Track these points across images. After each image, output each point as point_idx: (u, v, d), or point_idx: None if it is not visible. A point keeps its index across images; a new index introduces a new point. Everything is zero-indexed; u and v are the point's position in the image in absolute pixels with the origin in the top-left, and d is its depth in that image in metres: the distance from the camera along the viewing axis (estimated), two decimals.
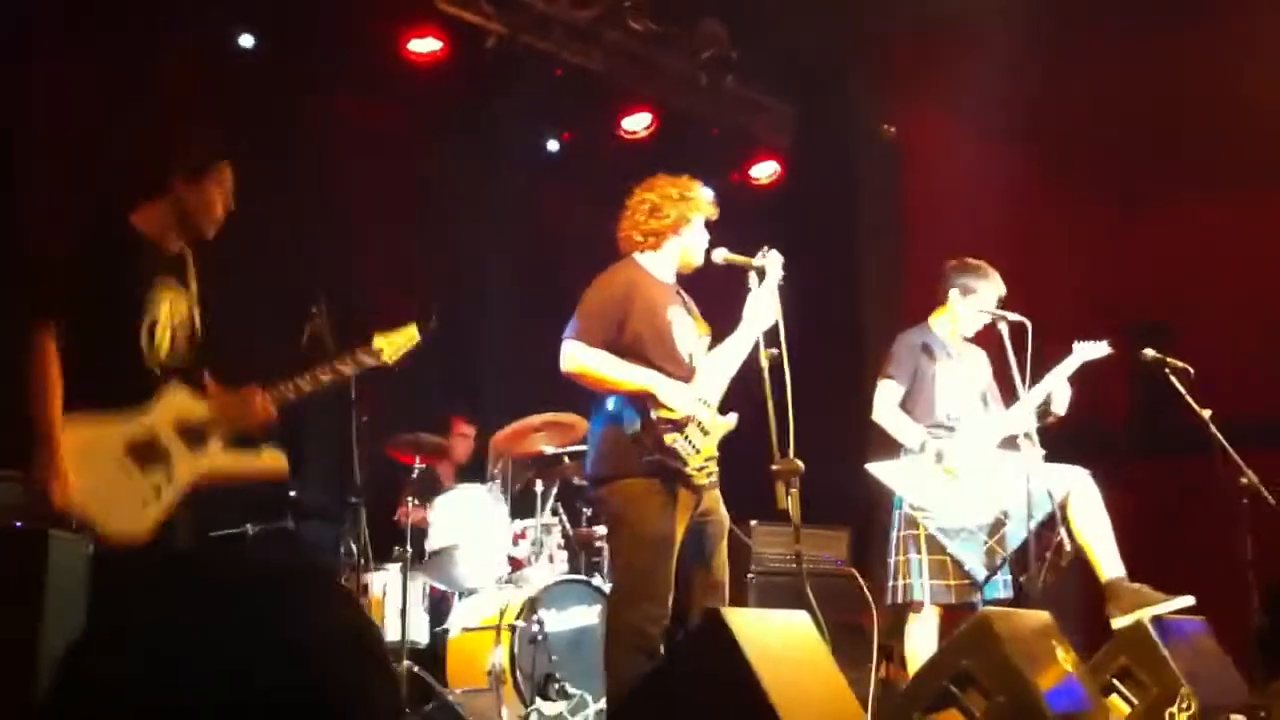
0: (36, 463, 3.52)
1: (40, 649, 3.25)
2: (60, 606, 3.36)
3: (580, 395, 4.47)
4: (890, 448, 5.29)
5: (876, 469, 5.17)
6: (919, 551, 5.09)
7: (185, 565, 1.57)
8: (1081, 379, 5.33)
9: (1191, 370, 5.48)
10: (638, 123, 7.70)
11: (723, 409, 4.35)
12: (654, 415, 4.12)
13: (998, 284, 5.37)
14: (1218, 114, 6.91)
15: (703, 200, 4.45)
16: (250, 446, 3.87)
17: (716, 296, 4.64)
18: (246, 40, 6.51)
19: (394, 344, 4.14)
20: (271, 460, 3.91)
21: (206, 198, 3.83)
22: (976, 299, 5.36)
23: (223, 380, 3.90)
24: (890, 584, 5.23)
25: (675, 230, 4.40)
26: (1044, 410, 5.20)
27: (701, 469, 4.18)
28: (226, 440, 3.81)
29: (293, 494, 5.72)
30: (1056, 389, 5.22)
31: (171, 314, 3.78)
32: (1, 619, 3.30)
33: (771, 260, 4.35)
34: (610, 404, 4.24)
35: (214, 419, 3.79)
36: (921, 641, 5.02)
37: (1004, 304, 5.34)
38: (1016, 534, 4.96)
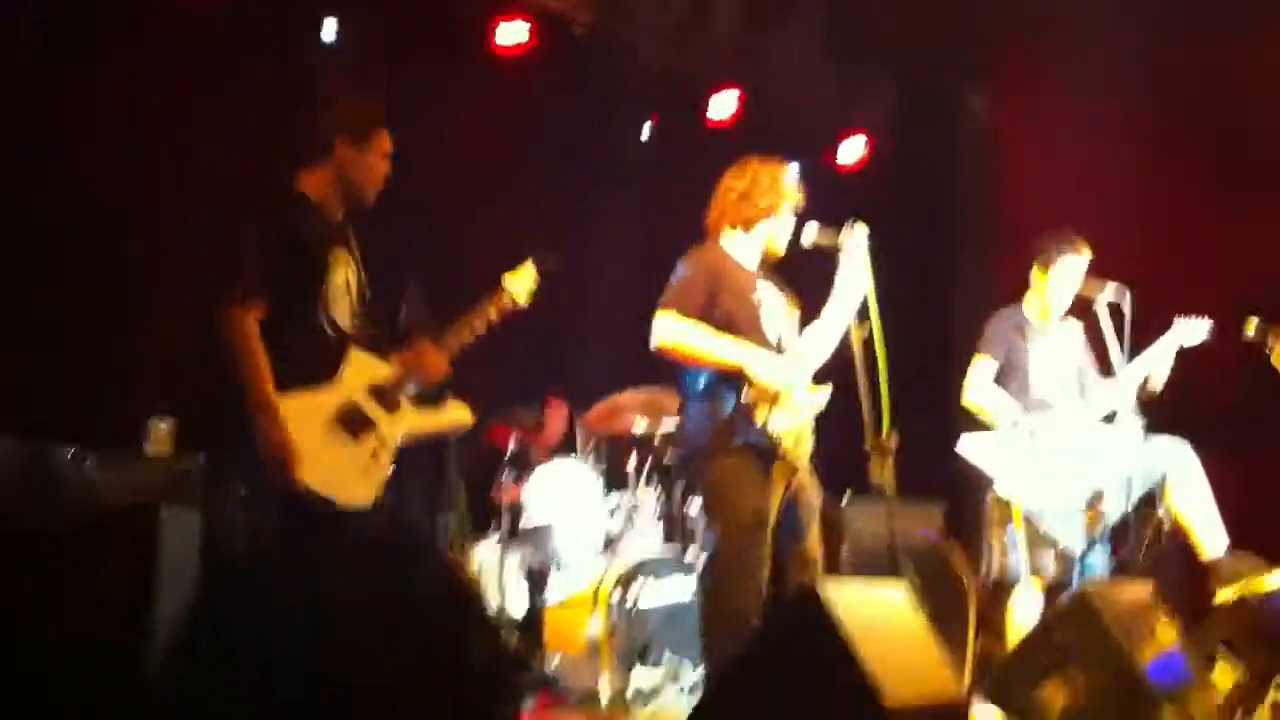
0: (263, 440, 3.55)
1: (152, 625, 3.33)
2: (171, 582, 3.44)
3: (671, 372, 4.49)
4: (985, 424, 5.26)
5: (967, 445, 5.14)
6: (1015, 528, 5.06)
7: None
8: (1186, 355, 5.25)
9: None
10: (724, 108, 7.68)
11: (816, 384, 4.35)
12: (746, 392, 4.13)
13: (1081, 254, 5.31)
14: None
15: (792, 188, 4.44)
16: (433, 402, 3.98)
17: (809, 276, 4.63)
18: (329, 31, 6.44)
19: (520, 282, 4.27)
20: (458, 412, 4.03)
21: (369, 162, 3.88)
22: (1060, 271, 5.31)
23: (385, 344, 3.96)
24: (985, 560, 5.20)
25: (764, 217, 4.40)
26: (1143, 387, 5.14)
27: (796, 446, 4.19)
28: (411, 399, 3.92)
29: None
30: (1156, 366, 5.15)
31: (346, 281, 3.84)
32: (115, 596, 3.39)
33: (857, 234, 4.33)
34: (703, 381, 4.26)
35: (399, 379, 3.87)
36: (1022, 616, 4.99)
37: (1092, 275, 5.27)
38: (1115, 509, 4.91)
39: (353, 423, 3.74)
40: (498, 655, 1.67)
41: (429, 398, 3.98)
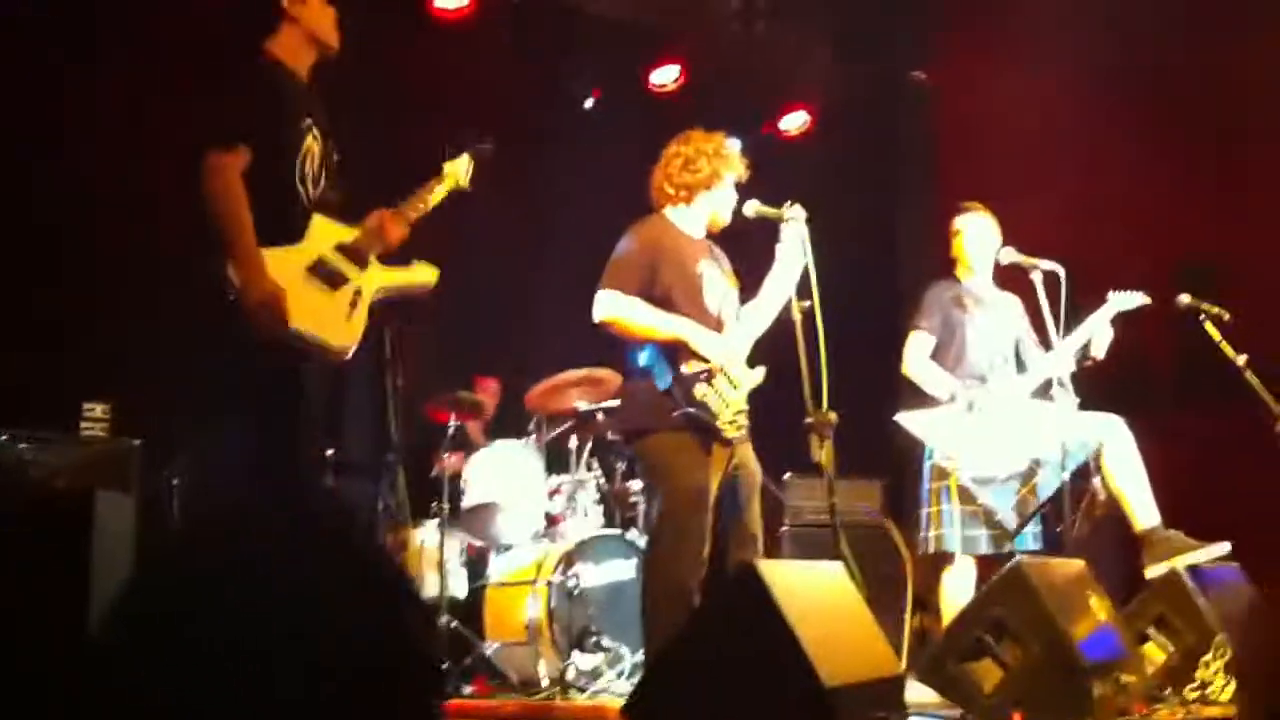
0: (247, 286, 3.58)
1: (88, 611, 3.30)
2: (106, 566, 3.41)
3: (613, 351, 4.49)
4: (922, 398, 5.29)
5: (906, 419, 5.17)
6: (950, 501, 5.10)
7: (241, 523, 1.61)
8: (1121, 326, 5.30)
9: (1228, 315, 5.43)
10: (666, 75, 7.66)
11: (755, 361, 4.36)
12: (684, 368, 4.14)
13: (986, 218, 5.42)
14: (1273, 58, 6.77)
15: (735, 158, 4.46)
16: (400, 264, 4.06)
17: (749, 252, 4.64)
18: None
19: (459, 165, 4.31)
20: (424, 271, 4.11)
21: (317, 9, 3.95)
22: (968, 231, 5.40)
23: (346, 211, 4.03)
24: (922, 535, 5.24)
25: (707, 185, 4.41)
26: (1083, 354, 5.19)
27: (732, 422, 4.20)
28: (379, 259, 4.00)
29: (331, 452, 5.77)
30: (1096, 334, 5.20)
31: (315, 149, 3.90)
32: (50, 582, 3.35)
33: (795, 213, 4.35)
34: (643, 357, 4.26)
35: (365, 240, 3.94)
36: (956, 591, 5.03)
37: (1032, 248, 5.31)
38: (1050, 483, 4.95)
39: (327, 275, 3.83)
40: (427, 644, 1.64)
41: (394, 260, 4.07)
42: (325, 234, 3.87)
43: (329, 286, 3.82)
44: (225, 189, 3.64)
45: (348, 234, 3.92)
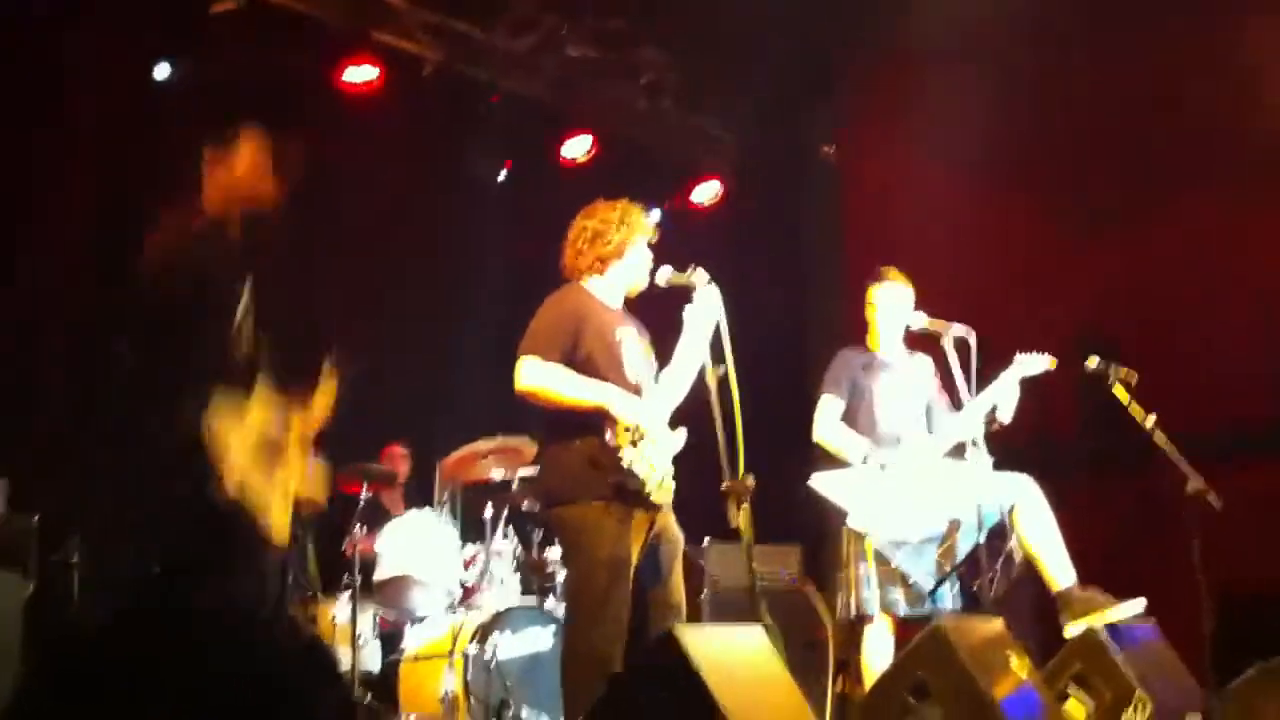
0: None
1: None
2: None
3: (528, 417, 4.44)
4: (836, 463, 5.29)
5: (820, 482, 5.17)
6: (867, 563, 5.09)
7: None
8: (1030, 391, 5.37)
9: (1135, 376, 5.51)
10: (578, 148, 7.70)
11: (671, 427, 4.34)
12: (609, 435, 4.09)
13: (899, 284, 5.46)
14: (1170, 131, 6.98)
15: (643, 223, 4.47)
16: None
17: (665, 319, 4.63)
18: (163, 71, 6.36)
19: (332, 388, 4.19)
20: (321, 489, 4.07)
21: (244, 163, 3.86)
22: (883, 298, 5.45)
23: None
24: (840, 598, 5.22)
25: (618, 255, 4.41)
26: (990, 417, 5.24)
27: (659, 486, 4.17)
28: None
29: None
30: (1002, 397, 5.26)
31: (249, 306, 3.81)
32: None
33: (699, 277, 4.35)
34: (564, 424, 4.20)
35: (293, 426, 3.83)
36: (876, 654, 5.01)
37: (939, 315, 5.37)
38: (965, 544, 4.98)
39: (269, 457, 3.71)
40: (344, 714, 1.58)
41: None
42: (269, 404, 3.78)
43: (270, 469, 3.71)
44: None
45: (282, 409, 3.82)
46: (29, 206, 5.74)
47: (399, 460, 6.79)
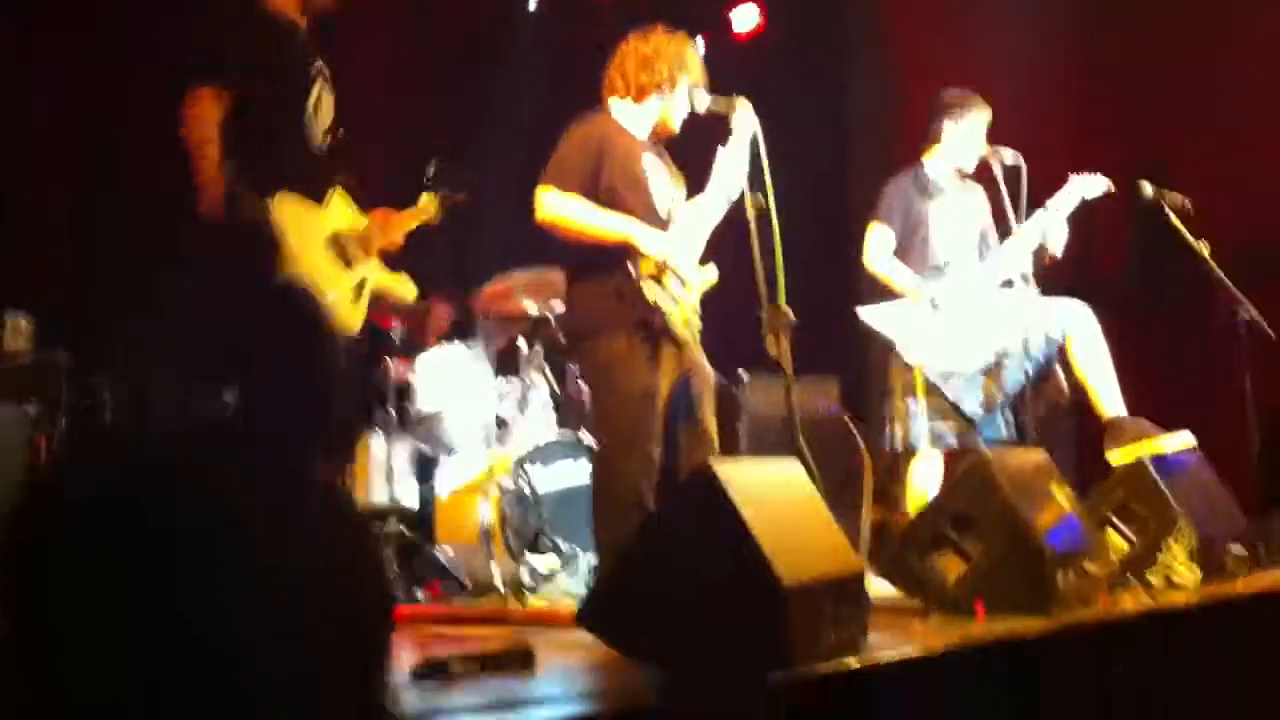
0: (202, 195, 3.46)
1: None
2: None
3: (560, 251, 4.33)
4: (883, 293, 5.18)
5: (868, 314, 5.06)
6: (915, 395, 5.01)
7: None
8: (1078, 219, 5.20)
9: (1190, 203, 5.33)
10: None
11: (707, 258, 4.22)
12: (632, 268, 3.98)
13: (984, 110, 5.23)
14: None
15: (696, 63, 4.28)
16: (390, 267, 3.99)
17: (697, 151, 4.46)
18: None
19: (432, 203, 4.34)
20: (409, 287, 4.10)
21: None
22: (964, 126, 5.22)
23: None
24: (887, 430, 5.16)
25: (660, 88, 4.22)
26: (1041, 251, 5.08)
27: (684, 323, 4.07)
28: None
29: None
30: (1052, 228, 5.09)
31: (326, 99, 3.79)
32: None
33: (742, 107, 4.18)
34: (587, 257, 4.09)
35: (373, 233, 3.87)
36: (925, 485, 4.96)
37: (999, 139, 5.18)
38: (1015, 374, 4.89)
39: (340, 253, 3.73)
40: (370, 581, 1.49)
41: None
42: (343, 212, 3.78)
43: (344, 265, 3.74)
44: (196, 119, 3.50)
45: (360, 220, 3.84)
46: None
47: (441, 309, 6.63)
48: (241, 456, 1.44)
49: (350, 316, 3.73)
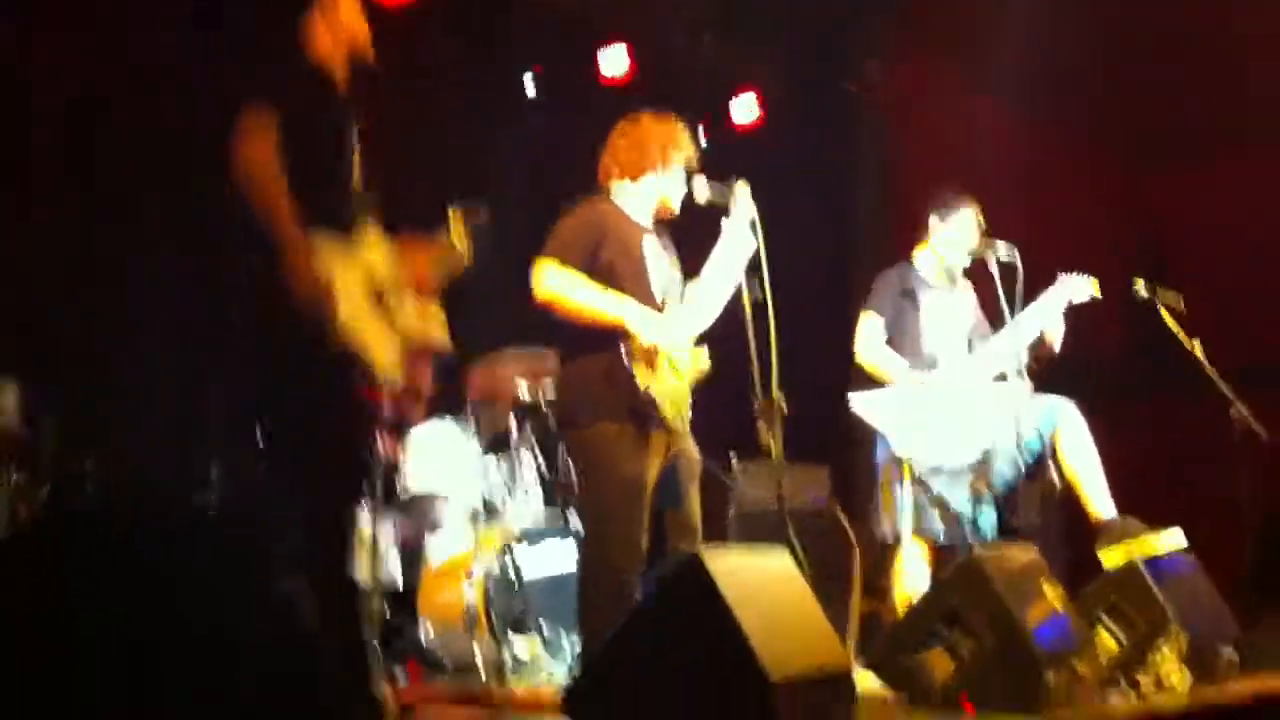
0: (291, 270, 3.26)
1: None
2: None
3: (552, 331, 4.32)
4: (873, 384, 5.18)
5: (859, 401, 5.05)
6: (904, 489, 4.99)
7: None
8: (1073, 313, 5.21)
9: (1182, 301, 5.36)
10: (616, 65, 7.47)
11: (702, 343, 4.21)
12: (624, 350, 3.97)
13: (972, 209, 5.27)
14: (1226, 65, 6.74)
15: (688, 144, 4.29)
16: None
17: (696, 238, 4.48)
18: None
19: (458, 236, 4.11)
20: (442, 328, 3.87)
21: (343, 17, 3.69)
22: (953, 224, 5.25)
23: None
24: (876, 522, 5.13)
25: (654, 167, 4.23)
26: (1040, 345, 5.08)
27: (675, 410, 4.04)
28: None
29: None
30: (1049, 324, 5.10)
31: (359, 151, 3.66)
32: None
33: (741, 191, 4.19)
34: (581, 339, 4.08)
35: (406, 271, 3.73)
36: (911, 579, 4.92)
37: (996, 232, 5.21)
38: (1004, 471, 4.87)
39: (378, 299, 3.58)
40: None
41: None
42: (380, 248, 3.65)
43: (380, 311, 3.58)
44: (266, 152, 3.31)
45: (393, 257, 3.70)
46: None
47: (425, 375, 6.62)
48: (204, 566, 1.43)
49: (389, 359, 3.58)
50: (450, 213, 4.08)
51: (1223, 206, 6.78)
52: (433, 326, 3.87)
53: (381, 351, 3.54)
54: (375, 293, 3.58)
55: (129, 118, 5.54)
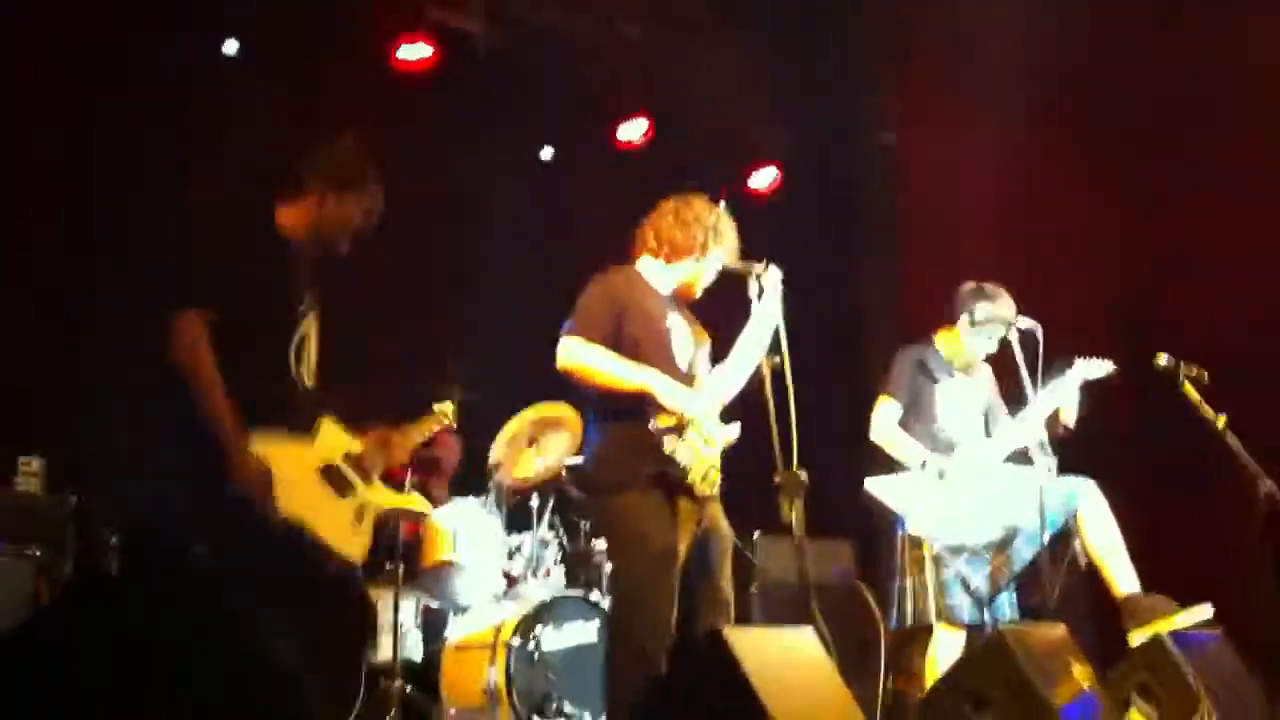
0: (232, 466, 3.30)
1: None
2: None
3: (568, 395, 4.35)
4: (892, 463, 5.16)
5: (876, 486, 5.03)
6: (925, 572, 4.95)
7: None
8: (1092, 386, 5.20)
9: (1205, 375, 5.33)
10: (634, 130, 7.57)
11: (724, 420, 4.20)
12: (654, 421, 3.96)
13: (1010, 307, 5.20)
14: (1233, 112, 6.76)
15: (729, 235, 4.30)
16: (396, 489, 4.02)
17: (715, 307, 4.49)
18: (231, 47, 6.47)
19: (448, 409, 4.46)
20: (420, 503, 4.12)
21: (346, 211, 3.70)
22: (987, 326, 5.22)
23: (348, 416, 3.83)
24: (898, 607, 5.08)
25: (693, 252, 4.25)
26: (1054, 422, 5.07)
27: (704, 478, 4.02)
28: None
29: None
30: (1063, 400, 5.09)
31: (312, 334, 3.66)
32: None
33: (771, 274, 4.21)
34: (607, 408, 4.08)
35: (370, 456, 3.75)
36: (944, 659, 4.85)
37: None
38: (1025, 551, 4.84)
39: (334, 482, 3.59)
40: None
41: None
42: (335, 439, 3.67)
43: (338, 494, 3.60)
44: (202, 357, 3.36)
45: (355, 445, 3.73)
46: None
47: (450, 448, 6.63)
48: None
49: (350, 546, 3.57)
50: (436, 408, 4.22)
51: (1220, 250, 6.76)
52: (408, 502, 4.06)
53: (342, 541, 3.54)
54: (333, 482, 3.59)
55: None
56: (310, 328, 3.64)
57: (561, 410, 5.62)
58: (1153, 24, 6.89)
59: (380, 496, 3.76)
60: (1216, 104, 6.76)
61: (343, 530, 3.56)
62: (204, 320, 3.40)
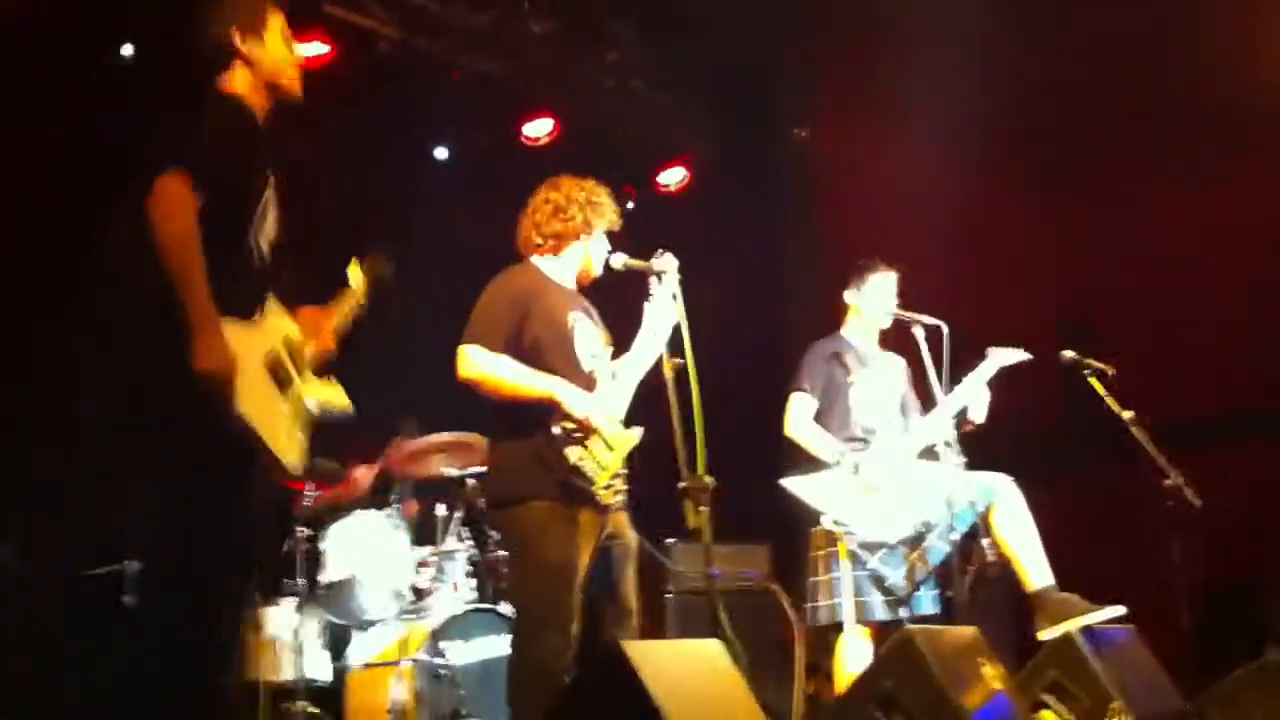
0: (206, 351, 3.00)
1: None
2: None
3: (481, 415, 4.20)
4: (808, 461, 5.11)
5: (792, 484, 4.97)
6: (840, 569, 4.90)
7: None
8: (1005, 383, 5.19)
9: (1111, 370, 5.35)
10: (540, 129, 7.46)
11: (628, 423, 4.11)
12: (555, 429, 3.86)
13: (890, 278, 5.31)
14: (1153, 113, 6.82)
15: (609, 207, 4.23)
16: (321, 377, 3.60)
17: (620, 305, 4.40)
18: (127, 49, 6.24)
19: (359, 282, 3.92)
20: (342, 396, 3.63)
21: (276, 51, 3.48)
22: (868, 290, 5.30)
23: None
24: (810, 604, 5.04)
25: (578, 234, 4.17)
26: (962, 418, 5.06)
27: (608, 487, 3.92)
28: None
29: None
30: (973, 396, 5.08)
31: (271, 203, 3.39)
32: None
33: (667, 263, 4.12)
34: (509, 417, 3.96)
35: (305, 342, 3.49)
36: (853, 661, 4.80)
37: (915, 305, 5.19)
38: (939, 547, 4.80)
39: (278, 374, 3.32)
40: None
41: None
42: (278, 321, 3.40)
43: (281, 390, 3.32)
44: (188, 227, 3.06)
45: (293, 328, 3.46)
46: None
47: (364, 479, 6.38)
48: None
49: (291, 449, 3.31)
50: (353, 262, 3.93)
51: (1143, 253, 6.82)
52: (334, 395, 3.63)
53: (281, 440, 3.30)
54: (276, 375, 3.34)
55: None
56: (270, 197, 3.40)
57: (473, 437, 5.52)
58: (1086, 20, 6.93)
59: (311, 389, 3.48)
60: (1154, 101, 6.82)
61: (285, 432, 3.30)
62: (188, 187, 3.10)
